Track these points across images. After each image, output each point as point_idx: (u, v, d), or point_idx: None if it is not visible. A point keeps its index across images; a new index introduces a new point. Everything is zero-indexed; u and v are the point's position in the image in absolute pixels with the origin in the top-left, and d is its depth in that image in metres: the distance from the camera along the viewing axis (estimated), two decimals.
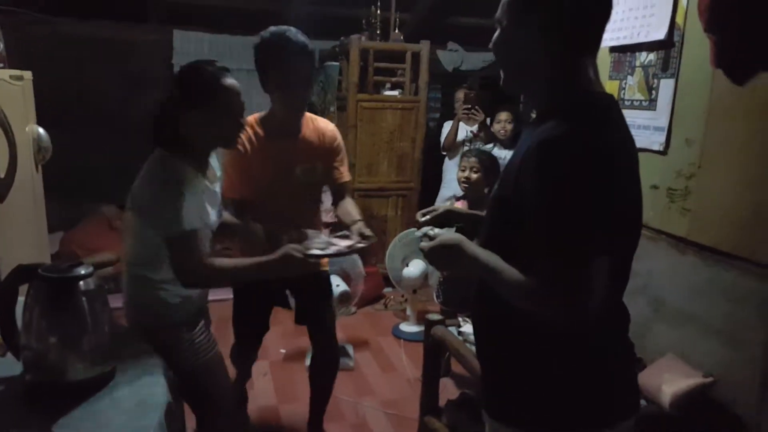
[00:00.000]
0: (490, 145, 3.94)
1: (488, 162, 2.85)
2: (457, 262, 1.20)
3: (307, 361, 3.19)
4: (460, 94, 4.19)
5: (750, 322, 1.79)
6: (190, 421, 1.73)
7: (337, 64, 4.50)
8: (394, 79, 4.43)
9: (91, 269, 1.26)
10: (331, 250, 1.77)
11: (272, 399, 2.90)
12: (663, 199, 2.13)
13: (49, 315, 1.20)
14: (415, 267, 3.62)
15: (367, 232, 1.92)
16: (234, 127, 1.67)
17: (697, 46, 1.96)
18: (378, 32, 4.36)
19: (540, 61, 1.11)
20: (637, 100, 2.28)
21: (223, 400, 1.81)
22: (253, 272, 1.66)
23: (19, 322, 1.27)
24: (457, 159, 4.10)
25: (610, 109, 1.13)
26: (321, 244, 1.80)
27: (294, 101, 2.04)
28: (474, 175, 2.84)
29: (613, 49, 2.40)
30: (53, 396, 1.21)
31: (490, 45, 1.18)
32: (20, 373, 1.26)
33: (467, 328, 2.41)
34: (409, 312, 3.80)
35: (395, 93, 4.42)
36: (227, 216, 1.98)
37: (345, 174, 2.26)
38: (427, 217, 1.55)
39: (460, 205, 2.85)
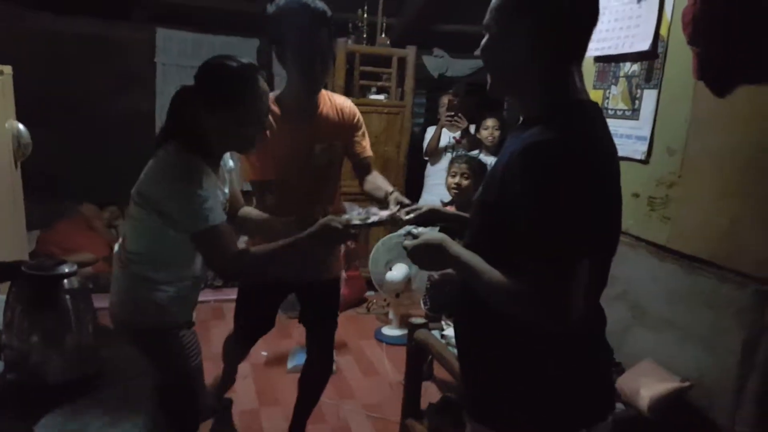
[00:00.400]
0: (476, 152, 3.97)
1: (478, 168, 2.88)
2: (439, 261, 1.21)
3: (289, 365, 3.18)
4: (444, 100, 4.22)
5: (727, 329, 1.83)
6: None
7: None
8: (379, 84, 4.44)
9: (75, 267, 1.24)
10: (373, 218, 1.65)
11: (253, 402, 2.88)
12: (644, 207, 2.17)
13: (32, 313, 1.17)
14: (398, 271, 3.63)
15: (405, 200, 1.80)
16: (256, 131, 1.60)
17: (680, 58, 2.00)
18: (365, 36, 4.37)
19: (527, 68, 1.13)
20: (620, 110, 2.32)
21: (197, 408, 1.79)
22: (293, 250, 1.55)
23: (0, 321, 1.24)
24: (439, 164, 4.14)
25: (595, 116, 1.16)
26: (361, 214, 1.67)
27: (312, 75, 1.90)
28: (465, 181, 2.86)
29: (597, 59, 2.44)
30: (35, 396, 1.18)
31: (478, 50, 1.20)
32: (1, 372, 1.23)
33: (450, 331, 2.42)
34: (391, 316, 3.80)
35: (381, 97, 4.43)
36: (246, 210, 1.92)
37: (367, 149, 2.16)
38: (411, 215, 1.55)
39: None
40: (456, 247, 1.19)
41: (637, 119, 2.22)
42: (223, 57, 1.54)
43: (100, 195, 4.45)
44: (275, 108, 1.94)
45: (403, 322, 3.58)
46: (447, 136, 4.15)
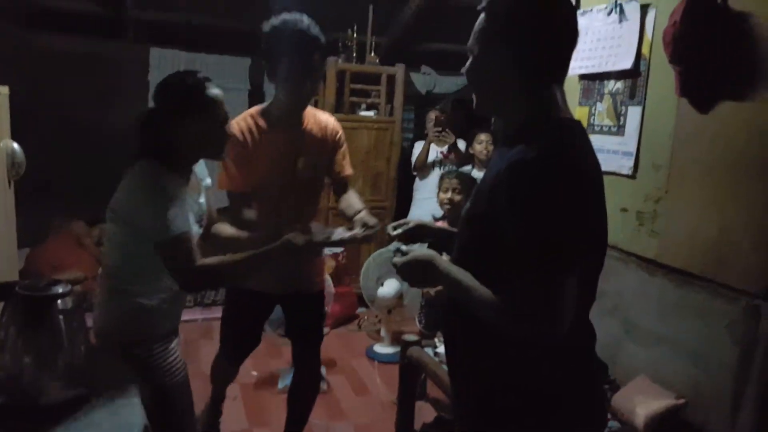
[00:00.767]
0: (469, 167, 4.00)
1: (469, 183, 2.90)
2: (429, 277, 1.22)
3: (280, 385, 3.15)
4: (431, 115, 4.27)
5: (719, 344, 1.84)
6: None
7: None
8: (369, 100, 4.49)
9: (69, 288, 1.25)
10: (335, 237, 1.75)
11: (243, 423, 2.84)
12: (632, 222, 2.20)
13: (26, 334, 1.17)
14: (390, 287, 3.62)
15: (371, 221, 1.88)
16: (218, 137, 1.66)
17: (663, 75, 2.05)
18: (354, 55, 4.42)
19: (509, 88, 1.16)
20: (606, 126, 2.35)
21: (189, 423, 1.78)
22: (253, 263, 1.61)
23: None
24: (427, 179, 4.17)
25: (578, 133, 1.18)
26: (324, 233, 1.76)
27: (299, 92, 1.98)
28: (457, 197, 2.88)
29: (582, 77, 2.48)
30: (27, 418, 1.17)
31: (463, 70, 1.23)
32: None
33: (443, 349, 2.41)
34: (383, 333, 3.78)
35: (371, 114, 4.47)
36: (219, 227, 1.93)
37: (347, 168, 2.20)
38: (399, 230, 1.55)
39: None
40: (445, 264, 1.20)
41: (623, 135, 2.25)
42: (174, 73, 1.66)
43: (90, 213, 4.41)
44: (261, 121, 2.01)
45: (395, 339, 3.57)
46: (435, 151, 4.20)
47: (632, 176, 2.21)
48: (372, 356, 3.67)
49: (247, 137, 1.99)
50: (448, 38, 5.08)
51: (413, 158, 4.26)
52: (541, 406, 1.16)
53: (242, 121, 2.02)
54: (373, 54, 4.49)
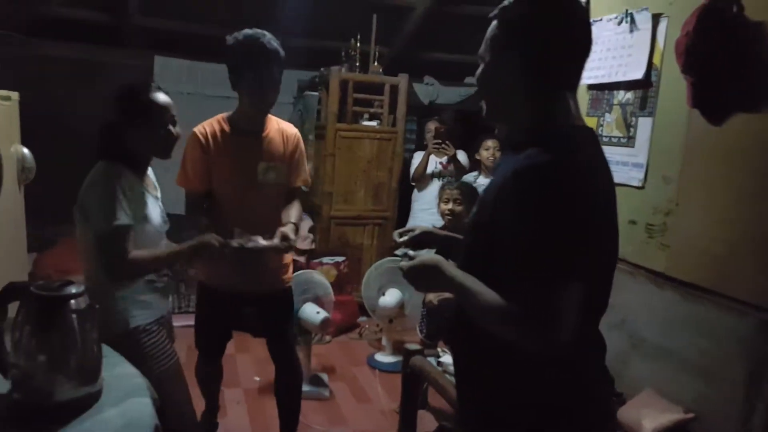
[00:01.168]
0: (475, 173, 3.98)
1: (470, 193, 2.88)
2: (435, 282, 1.21)
3: None
4: (431, 126, 4.26)
5: (729, 359, 1.82)
6: None
7: (316, 94, 4.53)
8: (372, 110, 4.48)
9: (82, 288, 1.25)
10: (250, 244, 1.92)
11: (246, 428, 2.81)
12: (641, 234, 2.18)
13: (40, 333, 1.18)
14: (391, 296, 3.59)
15: (291, 235, 2.05)
16: (164, 138, 1.78)
17: (674, 86, 2.04)
18: (357, 64, 4.42)
19: (521, 95, 1.14)
20: (615, 137, 2.34)
21: (185, 410, 1.84)
22: (170, 259, 1.81)
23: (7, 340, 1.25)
24: (426, 190, 4.15)
25: (590, 141, 1.17)
26: (242, 239, 1.93)
27: (260, 101, 2.11)
28: (458, 207, 2.86)
29: (591, 87, 2.48)
30: (40, 416, 1.19)
31: (474, 78, 1.22)
32: (7, 391, 1.23)
33: (446, 358, 2.39)
34: (384, 342, 3.75)
35: (373, 123, 4.46)
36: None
37: (300, 179, 2.31)
38: (405, 237, 1.56)
39: None
40: (452, 269, 1.18)
41: (633, 146, 2.24)
42: (127, 81, 1.82)
43: None
44: (225, 125, 2.17)
45: (397, 348, 3.54)
46: (434, 162, 4.18)
47: (641, 188, 2.20)
48: (373, 365, 3.64)
49: (210, 140, 2.13)
50: (452, 48, 5.09)
51: (412, 168, 4.25)
52: (549, 418, 1.13)
53: (208, 125, 2.16)
54: (376, 64, 4.49)
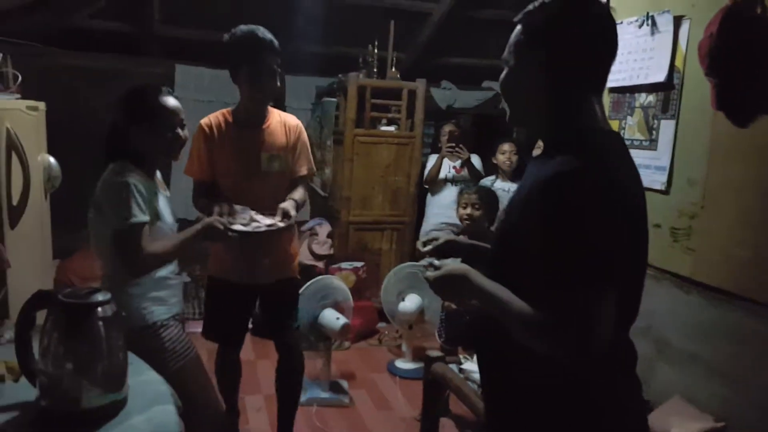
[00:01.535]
0: (492, 177, 3.96)
1: (488, 198, 2.88)
2: (463, 292, 1.19)
3: (302, 397, 3.12)
4: (445, 129, 4.25)
5: (758, 365, 1.78)
6: None
7: (334, 100, 4.55)
8: (390, 115, 4.48)
9: (109, 296, 1.26)
10: (252, 227, 1.96)
11: None
12: (666, 238, 2.15)
13: (67, 341, 1.21)
14: (411, 302, 3.58)
15: (291, 211, 2.09)
16: (171, 140, 1.81)
17: (697, 88, 2.01)
18: (375, 70, 4.44)
19: (546, 100, 1.13)
20: (637, 140, 2.31)
21: (208, 401, 1.87)
22: (181, 247, 1.79)
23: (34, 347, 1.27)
24: (440, 194, 4.14)
25: (618, 146, 1.15)
26: (245, 220, 1.96)
27: (258, 91, 2.18)
28: (476, 212, 2.85)
29: (612, 90, 2.46)
30: (67, 423, 1.21)
31: (498, 83, 1.21)
32: (35, 398, 1.25)
33: (468, 365, 2.37)
34: (404, 348, 3.74)
35: (391, 128, 4.46)
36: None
37: (303, 169, 2.35)
38: (429, 246, 1.53)
39: None
40: (480, 278, 1.16)
41: (655, 149, 2.21)
42: (135, 84, 1.85)
43: None
44: (229, 118, 2.25)
45: (417, 354, 3.52)
46: (447, 166, 4.17)
47: (665, 192, 2.17)
48: (393, 371, 3.62)
49: (214, 131, 2.22)
50: (469, 53, 5.09)
51: (425, 171, 4.25)
52: (579, 425, 1.11)
53: (213, 117, 2.25)
54: (393, 69, 4.50)
